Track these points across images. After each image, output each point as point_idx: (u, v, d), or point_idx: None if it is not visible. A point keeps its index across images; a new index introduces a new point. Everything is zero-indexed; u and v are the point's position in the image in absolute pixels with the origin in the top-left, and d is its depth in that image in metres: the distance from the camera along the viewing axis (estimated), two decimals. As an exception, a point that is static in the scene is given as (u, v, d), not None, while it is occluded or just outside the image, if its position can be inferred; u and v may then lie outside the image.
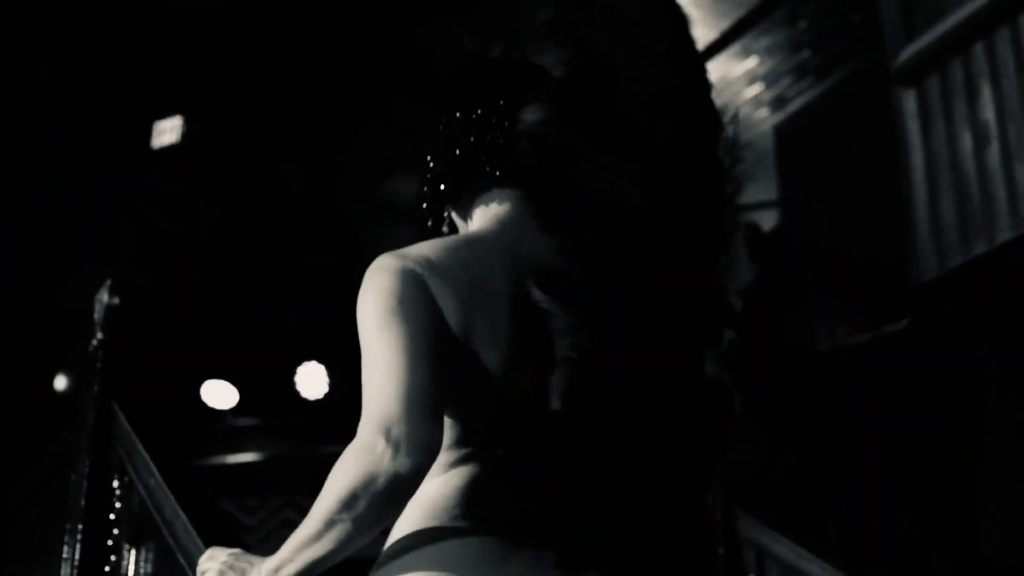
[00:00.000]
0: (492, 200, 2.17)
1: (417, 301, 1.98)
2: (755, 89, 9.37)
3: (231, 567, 1.95)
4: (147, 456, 3.18)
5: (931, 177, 6.54)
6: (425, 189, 2.25)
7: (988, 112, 6.27)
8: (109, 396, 3.62)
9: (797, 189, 9.29)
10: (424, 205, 2.27)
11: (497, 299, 2.03)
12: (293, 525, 1.91)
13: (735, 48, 8.91)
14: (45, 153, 8.64)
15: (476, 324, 2.00)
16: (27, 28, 8.30)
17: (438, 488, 1.98)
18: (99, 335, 3.68)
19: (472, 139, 2.16)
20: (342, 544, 1.86)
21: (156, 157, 9.08)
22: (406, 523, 1.98)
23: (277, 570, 1.89)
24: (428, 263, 2.03)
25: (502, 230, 2.13)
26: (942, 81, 6.56)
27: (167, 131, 9.08)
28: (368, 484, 1.85)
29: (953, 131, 6.45)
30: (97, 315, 3.72)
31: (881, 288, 7.24)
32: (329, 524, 1.86)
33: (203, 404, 8.14)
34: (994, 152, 6.20)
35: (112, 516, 3.48)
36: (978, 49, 6.35)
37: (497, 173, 2.14)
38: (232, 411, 8.28)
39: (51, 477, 4.07)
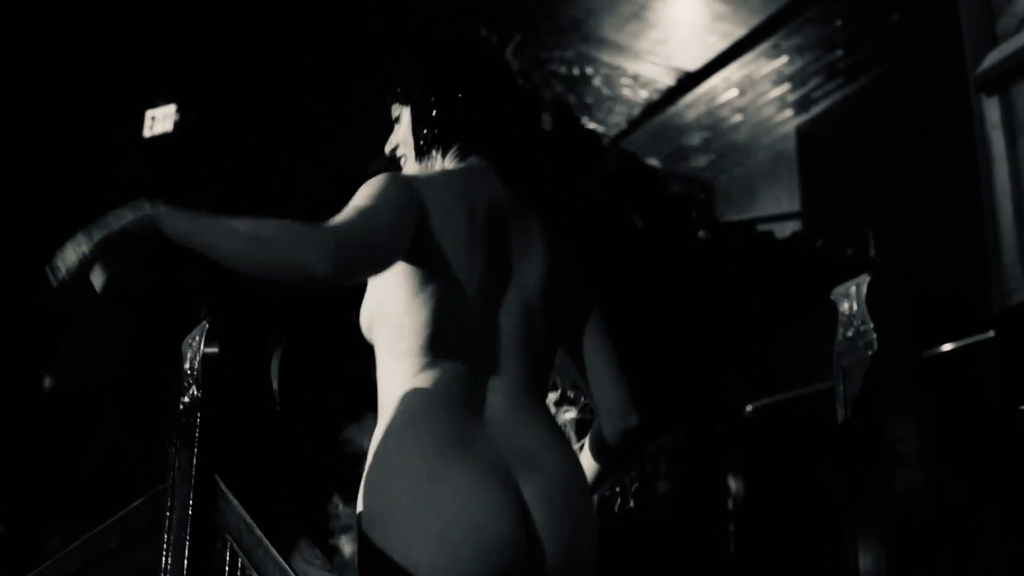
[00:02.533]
0: (460, 150, 2.47)
1: (403, 195, 2.26)
2: (781, 89, 8.71)
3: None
4: (278, 557, 2.34)
5: (1017, 192, 5.83)
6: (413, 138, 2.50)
7: (1085, 124, 5.57)
8: (212, 470, 2.78)
9: (821, 193, 8.66)
10: (406, 152, 2.53)
11: (474, 222, 2.32)
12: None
13: (764, 46, 8.24)
14: (32, 141, 7.84)
15: (453, 239, 2.29)
16: (12, 12, 7.48)
17: (412, 391, 2.24)
18: (195, 392, 2.84)
19: (445, 108, 2.46)
20: (226, 251, 2.06)
21: (148, 146, 8.27)
22: (392, 422, 2.22)
23: (170, 215, 2.11)
24: (420, 180, 2.35)
25: (471, 169, 2.44)
26: (1032, 89, 5.85)
27: (160, 119, 8.28)
28: (297, 246, 2.05)
29: (1044, 144, 5.74)
30: (190, 366, 2.88)
31: (938, 307, 6.53)
32: (244, 237, 2.06)
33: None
34: (1093, 167, 5.50)
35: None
36: (1075, 55, 5.64)
37: (464, 134, 2.47)
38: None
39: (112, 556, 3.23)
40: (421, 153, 2.49)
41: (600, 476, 2.56)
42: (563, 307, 2.43)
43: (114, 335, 7.98)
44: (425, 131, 2.47)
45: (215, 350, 2.87)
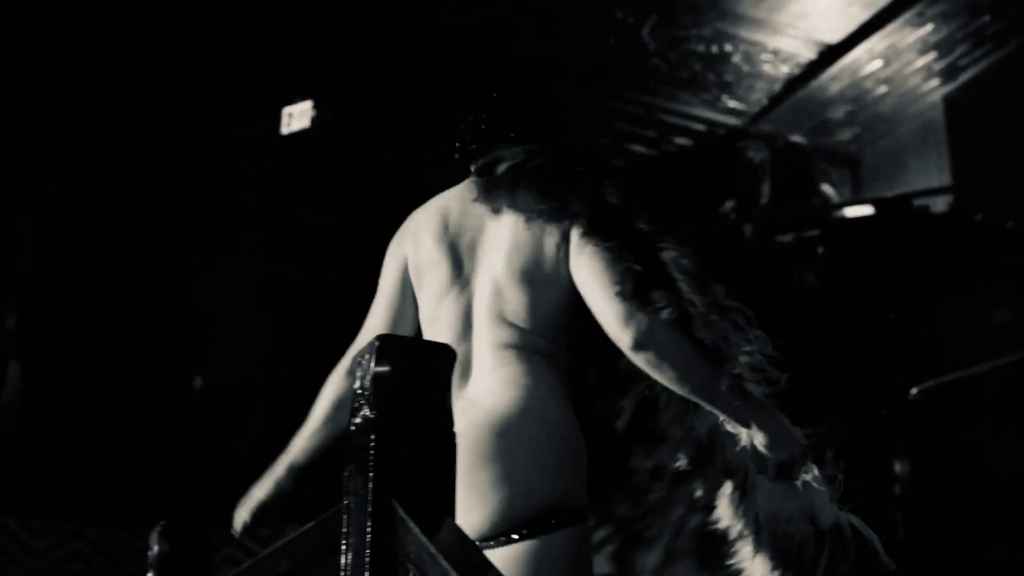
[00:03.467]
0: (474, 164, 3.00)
1: (388, 264, 2.99)
2: (926, 58, 8.39)
3: None
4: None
5: None
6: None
7: None
8: (389, 495, 2.63)
9: (972, 163, 8.32)
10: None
11: (445, 231, 2.89)
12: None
13: (908, 15, 7.92)
14: (171, 142, 7.85)
15: (428, 251, 2.90)
16: (147, 12, 7.46)
17: None
18: (368, 412, 2.68)
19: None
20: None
21: (286, 143, 8.22)
22: None
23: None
24: (421, 211, 2.99)
25: (468, 182, 2.97)
26: None
27: (297, 116, 8.22)
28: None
29: None
30: (361, 385, 2.73)
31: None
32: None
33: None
34: None
35: None
36: None
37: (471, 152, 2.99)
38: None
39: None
40: (458, 162, 3.06)
41: (709, 399, 2.57)
42: (533, 273, 2.79)
43: (264, 335, 7.98)
44: (456, 146, 3.04)
45: (387, 369, 2.71)
